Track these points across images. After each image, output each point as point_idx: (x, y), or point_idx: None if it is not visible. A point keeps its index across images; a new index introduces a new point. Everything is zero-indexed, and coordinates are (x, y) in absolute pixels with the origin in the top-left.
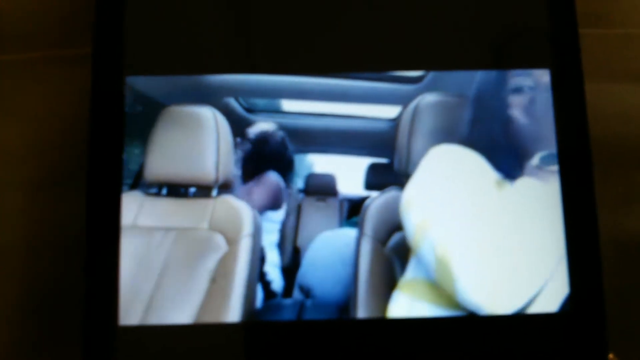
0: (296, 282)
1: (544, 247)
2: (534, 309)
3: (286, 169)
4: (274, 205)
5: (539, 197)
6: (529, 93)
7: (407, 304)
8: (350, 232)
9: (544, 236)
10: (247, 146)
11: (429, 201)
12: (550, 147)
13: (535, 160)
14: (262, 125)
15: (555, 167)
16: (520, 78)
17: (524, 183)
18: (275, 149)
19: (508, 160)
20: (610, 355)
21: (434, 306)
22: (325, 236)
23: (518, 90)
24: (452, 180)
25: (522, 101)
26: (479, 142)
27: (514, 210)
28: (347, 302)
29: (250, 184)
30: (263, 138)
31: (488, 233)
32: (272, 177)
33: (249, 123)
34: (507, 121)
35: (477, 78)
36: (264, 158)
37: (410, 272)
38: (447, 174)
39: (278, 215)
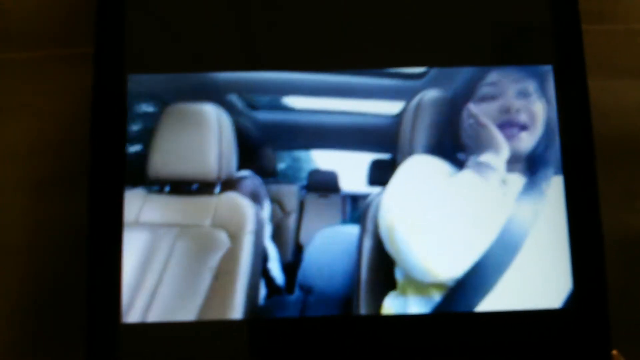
0: (297, 281)
1: (482, 225)
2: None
3: (261, 163)
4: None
5: (475, 185)
6: (493, 100)
7: (400, 303)
8: (348, 229)
9: (483, 217)
10: None
11: (392, 200)
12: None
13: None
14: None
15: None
16: (488, 88)
17: (466, 174)
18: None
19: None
20: (614, 352)
21: (425, 300)
22: (323, 233)
23: (484, 98)
24: (413, 183)
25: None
26: (445, 142)
27: (456, 194)
28: (348, 296)
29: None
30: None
31: (434, 212)
32: (246, 186)
33: (251, 120)
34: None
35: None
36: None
37: (399, 274)
38: (410, 179)
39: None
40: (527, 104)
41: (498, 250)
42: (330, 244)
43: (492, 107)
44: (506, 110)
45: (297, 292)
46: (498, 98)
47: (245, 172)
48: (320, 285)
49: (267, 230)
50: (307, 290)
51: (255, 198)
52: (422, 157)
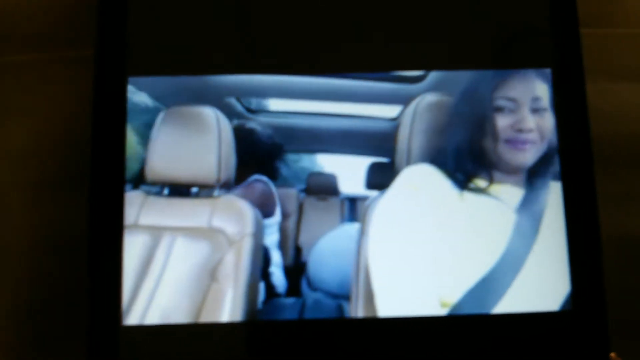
0: (304, 275)
1: (478, 254)
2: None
3: (271, 166)
4: (264, 214)
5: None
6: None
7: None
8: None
9: (480, 244)
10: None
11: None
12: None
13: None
14: (238, 125)
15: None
16: (505, 102)
17: (466, 198)
18: (255, 148)
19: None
20: (612, 354)
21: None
22: (333, 233)
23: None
24: (398, 218)
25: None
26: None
27: (449, 222)
28: (347, 300)
29: (239, 190)
30: (241, 137)
31: (414, 251)
32: (258, 187)
33: (249, 122)
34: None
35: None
36: (245, 158)
37: None
38: (397, 210)
39: (272, 220)
40: (540, 119)
41: (499, 272)
42: (337, 243)
43: (505, 120)
44: (519, 128)
45: (303, 288)
46: (514, 113)
47: (257, 176)
48: (324, 286)
49: (275, 237)
50: (314, 289)
51: (266, 203)
52: (415, 173)
